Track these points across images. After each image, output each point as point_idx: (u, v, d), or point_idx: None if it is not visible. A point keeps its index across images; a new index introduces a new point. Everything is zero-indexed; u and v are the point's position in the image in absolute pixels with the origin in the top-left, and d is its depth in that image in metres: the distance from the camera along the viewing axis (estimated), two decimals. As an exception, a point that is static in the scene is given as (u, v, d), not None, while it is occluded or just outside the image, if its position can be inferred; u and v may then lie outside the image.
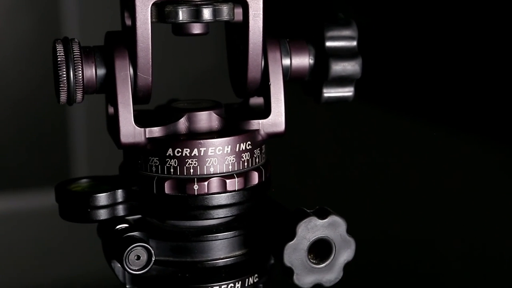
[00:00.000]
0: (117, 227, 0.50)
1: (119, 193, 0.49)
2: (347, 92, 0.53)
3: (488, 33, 0.99)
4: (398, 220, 1.26)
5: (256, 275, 0.51)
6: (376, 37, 1.16)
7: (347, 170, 1.38)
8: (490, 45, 0.99)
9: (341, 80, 0.52)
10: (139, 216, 0.51)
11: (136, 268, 0.48)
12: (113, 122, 0.48)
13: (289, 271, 0.47)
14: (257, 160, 0.50)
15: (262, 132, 0.50)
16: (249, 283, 0.51)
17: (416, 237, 1.22)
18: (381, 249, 1.29)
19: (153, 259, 0.48)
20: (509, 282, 1.08)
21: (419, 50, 1.12)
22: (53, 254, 1.54)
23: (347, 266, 0.49)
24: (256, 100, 0.55)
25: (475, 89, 1.06)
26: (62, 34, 1.49)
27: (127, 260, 0.47)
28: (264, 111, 0.51)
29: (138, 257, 0.48)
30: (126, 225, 0.50)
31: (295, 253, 0.47)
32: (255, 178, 0.50)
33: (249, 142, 0.49)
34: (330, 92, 0.53)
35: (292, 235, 0.47)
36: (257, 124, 0.50)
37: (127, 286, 0.51)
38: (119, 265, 0.50)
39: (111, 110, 0.50)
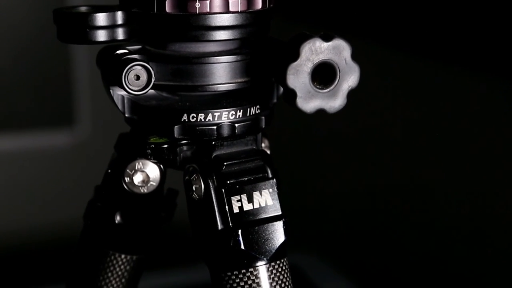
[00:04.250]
0: (117, 52, 0.49)
1: (119, 14, 0.48)
2: None
3: None
4: (400, 166, 1.26)
5: (258, 106, 0.50)
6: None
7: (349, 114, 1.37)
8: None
9: None
10: (140, 46, 0.50)
11: (136, 89, 0.47)
12: None
13: (292, 94, 0.46)
14: None
15: (265, -44, 0.49)
16: (251, 113, 0.50)
17: (418, 182, 1.22)
18: (382, 195, 1.29)
19: (153, 79, 0.47)
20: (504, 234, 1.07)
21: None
22: (58, 194, 1.54)
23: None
24: None
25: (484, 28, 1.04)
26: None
27: (126, 79, 0.46)
28: None
29: (138, 77, 0.47)
30: (126, 51, 0.49)
31: (298, 76, 0.46)
32: (258, 2, 0.48)
33: None
34: None
35: (295, 55, 0.46)
36: None
37: (126, 115, 0.50)
38: (118, 92, 0.50)
39: None
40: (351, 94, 0.48)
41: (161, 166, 0.51)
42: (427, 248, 1.21)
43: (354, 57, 0.47)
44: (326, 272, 1.28)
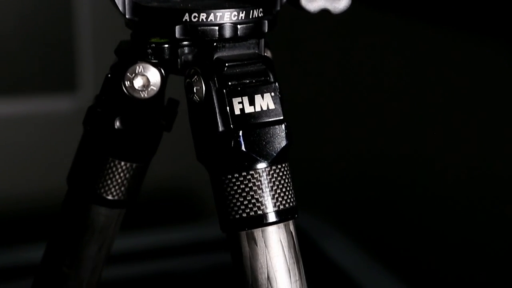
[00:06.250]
0: None
1: None
2: None
3: None
4: (397, 134, 1.25)
5: (260, 9, 0.49)
6: None
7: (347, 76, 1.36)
8: None
9: None
10: None
11: (137, -14, 0.46)
12: None
13: (296, -8, 0.46)
14: None
15: None
16: (253, 16, 0.49)
17: (419, 147, 1.21)
18: (384, 158, 1.29)
19: (154, -24, 0.46)
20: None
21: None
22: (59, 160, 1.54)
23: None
24: None
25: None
26: None
27: None
28: None
29: (139, -26, 0.46)
30: None
31: (302, -27, 0.45)
32: None
33: None
34: None
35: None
36: None
37: (127, 16, 0.50)
38: (120, -6, 0.49)
39: None
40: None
41: (162, 70, 0.50)
42: (426, 210, 1.21)
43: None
44: (327, 231, 1.28)
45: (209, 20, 0.48)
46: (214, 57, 0.48)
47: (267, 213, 0.48)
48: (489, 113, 1.08)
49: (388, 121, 1.27)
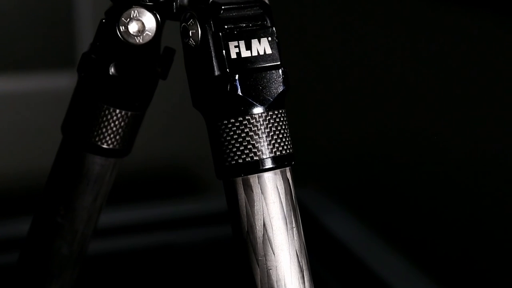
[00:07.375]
0: None
1: None
2: None
3: None
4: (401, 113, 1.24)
5: None
6: None
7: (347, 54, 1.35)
8: None
9: None
10: None
11: None
12: None
13: None
14: None
15: None
16: None
17: (418, 122, 1.20)
18: (383, 131, 1.28)
19: None
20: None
21: None
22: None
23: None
24: None
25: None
26: None
27: None
28: None
29: None
30: None
31: None
32: None
33: None
34: None
35: None
36: None
37: None
38: None
39: None
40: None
41: (157, 15, 0.49)
42: (427, 186, 1.20)
43: None
44: (328, 205, 1.28)
45: (204, -39, 0.47)
46: (210, 0, 0.48)
47: (264, 159, 0.47)
48: (494, 93, 1.07)
49: (391, 97, 1.26)
